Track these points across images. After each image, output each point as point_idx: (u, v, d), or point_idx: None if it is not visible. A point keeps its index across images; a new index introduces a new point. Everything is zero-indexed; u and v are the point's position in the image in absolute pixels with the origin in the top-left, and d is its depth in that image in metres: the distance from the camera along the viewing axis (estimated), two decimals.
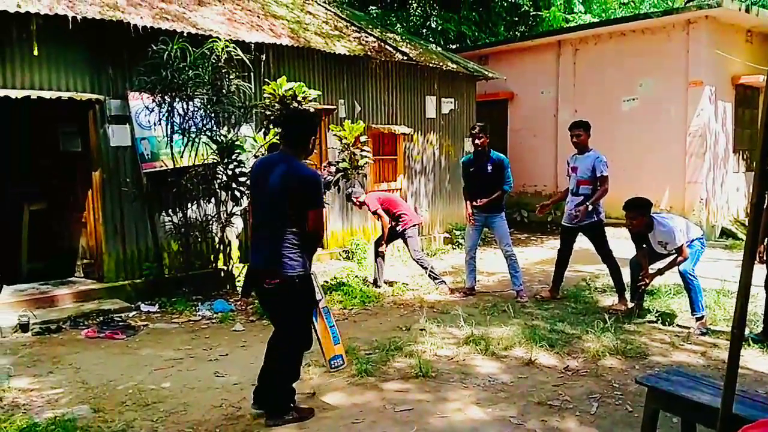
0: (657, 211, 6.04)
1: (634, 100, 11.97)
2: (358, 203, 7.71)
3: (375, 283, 7.78)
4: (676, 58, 11.31)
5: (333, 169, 7.70)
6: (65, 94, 6.60)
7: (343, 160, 7.77)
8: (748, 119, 12.12)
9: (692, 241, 5.90)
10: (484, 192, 7.13)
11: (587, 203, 6.62)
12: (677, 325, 5.99)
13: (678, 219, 6.04)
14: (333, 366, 4.46)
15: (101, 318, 6.40)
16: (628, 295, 6.56)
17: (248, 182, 7.24)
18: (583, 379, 4.67)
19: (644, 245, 6.08)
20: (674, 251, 5.89)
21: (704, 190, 11.15)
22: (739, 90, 11.80)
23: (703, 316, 5.81)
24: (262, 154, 7.07)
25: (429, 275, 7.64)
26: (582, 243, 7.16)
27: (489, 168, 7.11)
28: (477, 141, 7.07)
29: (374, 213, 7.71)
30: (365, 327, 6.15)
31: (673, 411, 3.33)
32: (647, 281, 6.09)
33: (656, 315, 6.16)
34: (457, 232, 10.96)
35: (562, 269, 7.10)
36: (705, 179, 11.17)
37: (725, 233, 11.38)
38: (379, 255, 7.74)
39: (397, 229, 7.61)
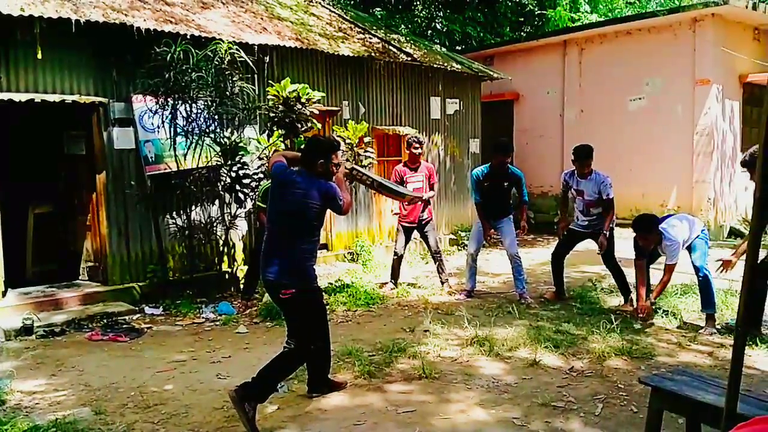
0: (664, 213, 5.97)
1: (640, 99, 11.90)
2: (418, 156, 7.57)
3: (394, 281, 7.75)
4: (682, 56, 11.24)
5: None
6: (69, 97, 6.63)
7: (347, 160, 7.76)
8: (756, 118, 12.02)
9: (695, 238, 5.86)
10: (497, 205, 7.08)
11: (604, 232, 6.54)
12: (684, 323, 5.94)
13: (681, 225, 5.94)
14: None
15: (105, 321, 6.40)
16: (634, 296, 6.50)
17: (252, 184, 7.27)
18: (588, 380, 4.63)
19: (647, 259, 6.07)
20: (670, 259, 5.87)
21: (712, 189, 11.06)
22: (746, 88, 11.70)
23: (713, 314, 5.75)
24: (267, 156, 7.07)
25: (441, 269, 7.65)
26: (586, 243, 7.10)
27: (506, 184, 7.06)
28: (503, 156, 6.91)
29: (431, 186, 7.61)
30: (369, 328, 6.13)
31: (678, 411, 3.28)
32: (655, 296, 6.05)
33: (663, 315, 6.10)
34: (463, 234, 10.92)
35: (560, 270, 7.04)
36: (713, 178, 11.08)
37: (733, 233, 11.28)
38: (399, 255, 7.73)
39: (423, 217, 7.56)
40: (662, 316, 6.10)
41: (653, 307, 6.08)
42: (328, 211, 4.24)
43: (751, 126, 11.95)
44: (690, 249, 5.92)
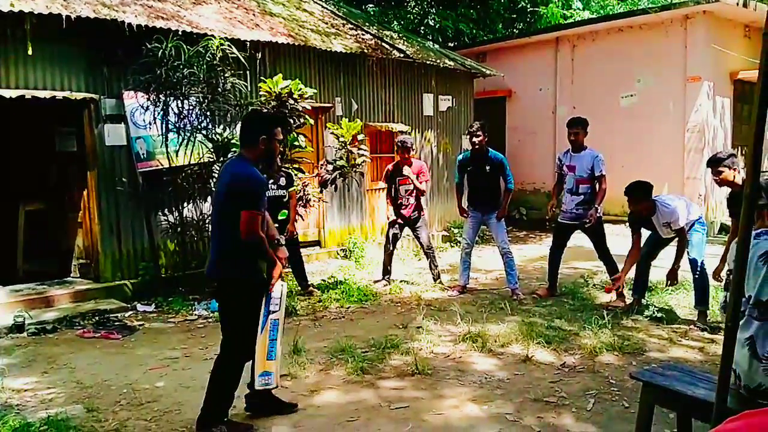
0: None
1: (632, 96, 11.94)
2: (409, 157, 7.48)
3: (387, 277, 7.75)
4: (674, 53, 11.29)
5: (330, 167, 7.68)
6: (60, 94, 6.59)
7: (340, 158, 7.75)
8: (747, 115, 12.07)
9: (693, 224, 5.89)
10: (484, 193, 7.11)
11: (596, 206, 6.55)
12: (675, 318, 5.97)
13: (679, 200, 6.01)
14: (259, 383, 3.83)
15: (97, 318, 6.37)
16: (626, 291, 6.54)
17: None
18: (579, 376, 4.65)
19: (640, 232, 6.07)
20: (676, 232, 5.86)
21: (703, 186, 11.12)
22: (737, 85, 11.76)
23: (706, 311, 5.78)
24: None
25: (433, 265, 7.66)
26: (578, 240, 7.14)
27: (487, 168, 7.06)
28: (475, 140, 7.00)
29: (420, 182, 7.55)
30: (362, 325, 6.13)
31: (669, 406, 3.31)
32: (671, 280, 5.99)
33: (654, 311, 6.13)
34: (455, 230, 10.93)
35: (557, 266, 7.07)
36: (704, 175, 11.12)
37: (724, 229, 11.33)
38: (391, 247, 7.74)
39: (413, 215, 7.56)
40: (653, 312, 6.13)
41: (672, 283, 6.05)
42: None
43: (742, 123, 12.01)
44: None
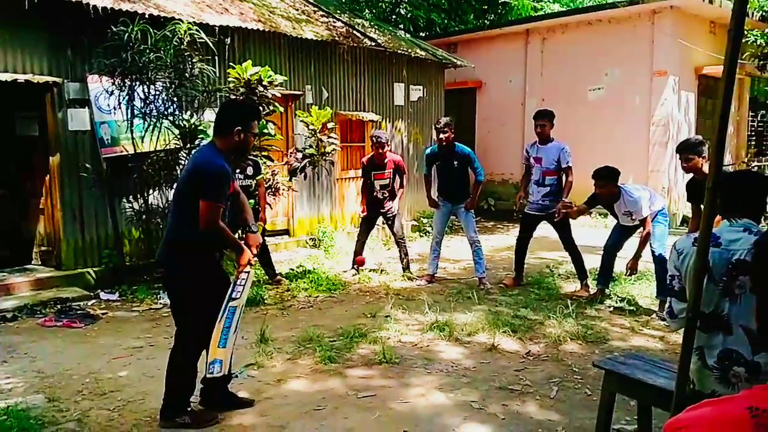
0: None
1: (600, 89, 12.09)
2: (384, 153, 7.41)
3: (356, 266, 7.76)
4: (641, 48, 11.46)
5: (299, 155, 7.63)
6: (21, 77, 6.40)
7: (310, 146, 7.71)
8: (710, 109, 12.35)
9: (656, 215, 6.02)
10: (453, 185, 7.15)
11: (564, 200, 6.56)
12: (637, 308, 6.09)
13: (644, 190, 6.14)
14: (209, 371, 3.63)
15: (59, 306, 6.24)
16: (590, 282, 6.65)
17: None
18: (544, 364, 4.72)
19: (594, 205, 6.27)
20: (639, 222, 5.99)
21: (666, 178, 11.35)
22: (702, 80, 12.00)
23: (669, 301, 5.90)
24: None
25: (403, 254, 7.68)
26: (544, 231, 7.22)
27: (455, 163, 7.08)
28: (442, 136, 6.98)
29: (401, 175, 7.59)
30: (330, 314, 6.13)
31: (630, 394, 3.37)
32: (633, 269, 6.09)
33: (617, 300, 6.25)
34: (425, 220, 10.98)
35: (523, 256, 7.15)
36: (667, 168, 11.37)
37: (686, 221, 11.59)
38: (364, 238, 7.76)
39: (389, 206, 7.55)
40: (616, 302, 6.25)
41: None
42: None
43: (706, 117, 12.28)
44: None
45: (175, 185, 3.88)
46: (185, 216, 3.56)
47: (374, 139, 7.47)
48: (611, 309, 6.13)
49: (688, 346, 2.32)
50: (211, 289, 3.64)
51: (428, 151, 7.45)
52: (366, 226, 7.71)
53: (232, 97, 6.86)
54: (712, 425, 0.97)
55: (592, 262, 6.92)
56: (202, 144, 3.67)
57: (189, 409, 3.73)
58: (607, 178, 5.94)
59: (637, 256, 6.03)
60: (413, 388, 4.27)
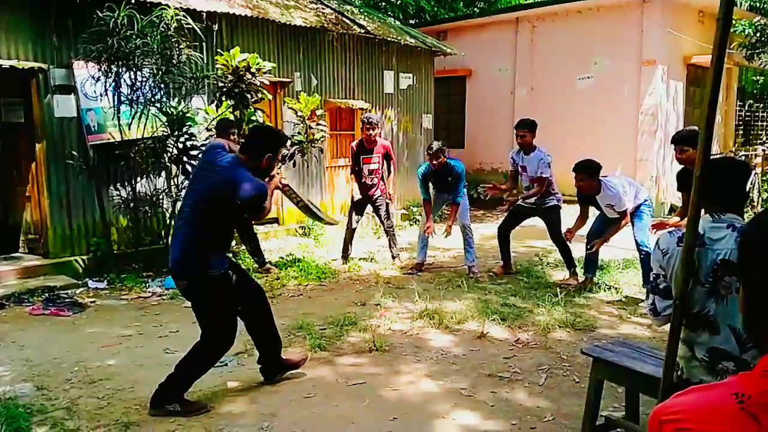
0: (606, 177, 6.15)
1: (589, 78, 12.10)
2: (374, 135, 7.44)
3: (344, 256, 7.76)
4: (630, 37, 11.46)
5: (288, 143, 7.59)
6: (6, 62, 6.31)
7: (299, 133, 7.68)
8: (698, 99, 12.40)
9: (639, 206, 6.05)
10: (447, 190, 7.21)
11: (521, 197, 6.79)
12: (625, 297, 6.15)
13: (625, 184, 6.16)
14: None
15: (47, 295, 6.19)
16: (579, 270, 6.69)
17: (200, 155, 7.09)
18: (532, 352, 4.76)
19: (588, 206, 6.27)
20: (620, 215, 6.02)
21: (654, 167, 11.41)
22: (690, 69, 12.04)
23: (652, 298, 5.94)
24: (214, 127, 6.91)
25: (393, 243, 7.69)
26: (533, 219, 7.23)
27: (449, 179, 7.09)
28: (435, 161, 6.92)
29: (389, 161, 7.61)
30: (320, 303, 6.13)
31: (618, 381, 3.41)
32: (596, 246, 6.16)
33: (605, 288, 6.30)
34: (415, 209, 10.98)
35: (507, 243, 7.17)
36: (656, 157, 11.42)
37: (674, 210, 11.68)
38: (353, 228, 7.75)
39: (376, 194, 7.56)
40: (604, 290, 6.29)
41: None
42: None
43: (694, 107, 12.33)
44: (632, 220, 6.10)
45: (186, 198, 3.86)
46: (199, 231, 3.67)
47: (365, 119, 7.45)
48: (599, 297, 6.16)
49: (675, 334, 2.35)
50: (230, 292, 3.84)
51: (422, 169, 7.27)
52: (355, 213, 7.68)
53: (221, 84, 6.82)
54: (698, 412, 0.98)
55: (580, 251, 6.95)
56: (223, 159, 3.71)
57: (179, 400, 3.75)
58: (587, 171, 5.94)
59: (606, 239, 6.10)
60: (403, 376, 4.29)
